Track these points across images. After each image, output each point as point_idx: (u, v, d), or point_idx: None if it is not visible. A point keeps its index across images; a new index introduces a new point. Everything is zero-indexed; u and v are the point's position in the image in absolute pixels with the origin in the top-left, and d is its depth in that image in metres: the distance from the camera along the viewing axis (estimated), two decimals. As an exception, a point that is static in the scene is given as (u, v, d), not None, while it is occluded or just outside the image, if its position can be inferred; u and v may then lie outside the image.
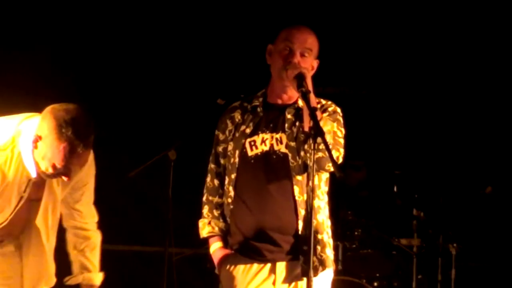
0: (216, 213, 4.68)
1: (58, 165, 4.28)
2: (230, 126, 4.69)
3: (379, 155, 7.64)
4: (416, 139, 7.93)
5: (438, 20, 8.17)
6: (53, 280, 4.82)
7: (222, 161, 4.72)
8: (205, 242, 4.72)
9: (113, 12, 8.19)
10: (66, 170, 4.32)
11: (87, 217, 4.91)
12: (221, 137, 4.70)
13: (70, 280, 4.86)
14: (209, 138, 4.79)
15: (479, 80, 8.03)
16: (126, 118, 7.82)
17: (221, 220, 4.68)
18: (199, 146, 5.05)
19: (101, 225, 7.37)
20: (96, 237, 4.93)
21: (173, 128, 7.09)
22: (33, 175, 4.41)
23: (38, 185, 4.52)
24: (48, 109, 4.34)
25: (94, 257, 4.95)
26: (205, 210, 4.70)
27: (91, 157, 4.54)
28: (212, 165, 4.74)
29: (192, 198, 4.97)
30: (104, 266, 7.26)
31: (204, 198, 4.73)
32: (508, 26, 8.07)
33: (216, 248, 4.64)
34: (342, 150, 4.49)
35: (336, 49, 7.50)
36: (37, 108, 4.51)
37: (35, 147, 4.34)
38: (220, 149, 4.70)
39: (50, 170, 4.30)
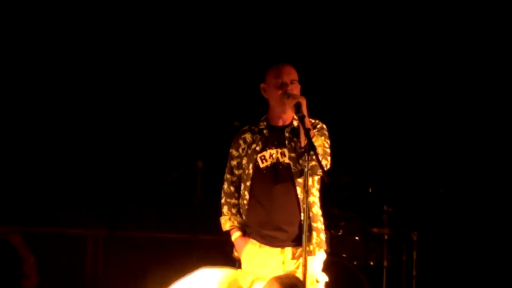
0: (233, 210, 4.83)
1: None
2: (243, 145, 4.82)
3: (358, 165, 7.66)
4: (386, 153, 7.87)
5: (408, 40, 8.01)
6: None
7: (236, 172, 4.83)
8: (226, 231, 4.88)
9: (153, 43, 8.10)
10: None
11: None
12: (235, 153, 4.83)
13: None
14: (228, 151, 4.90)
15: (435, 97, 8.04)
16: (168, 136, 7.86)
17: (238, 216, 4.82)
18: (221, 158, 5.06)
19: (146, 217, 7.43)
20: None
21: (201, 144, 7.13)
22: None
23: None
24: (274, 280, 4.31)
25: None
26: (225, 209, 4.86)
27: None
28: (228, 175, 4.88)
29: (214, 197, 5.03)
30: (149, 249, 7.28)
31: (222, 200, 4.88)
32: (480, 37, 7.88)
33: (237, 237, 4.79)
34: (329, 158, 4.66)
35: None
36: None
37: None
38: (234, 163, 4.84)
39: None
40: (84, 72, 7.94)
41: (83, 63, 7.96)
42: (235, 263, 4.94)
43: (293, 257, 4.68)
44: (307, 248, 4.46)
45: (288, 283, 4.30)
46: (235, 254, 4.84)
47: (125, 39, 7.97)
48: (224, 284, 4.49)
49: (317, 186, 4.74)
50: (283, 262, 4.68)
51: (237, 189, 4.84)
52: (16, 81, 7.64)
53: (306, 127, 4.40)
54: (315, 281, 4.64)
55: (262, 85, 4.79)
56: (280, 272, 4.63)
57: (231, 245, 4.88)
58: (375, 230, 7.17)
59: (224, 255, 5.20)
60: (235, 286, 4.55)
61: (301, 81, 4.77)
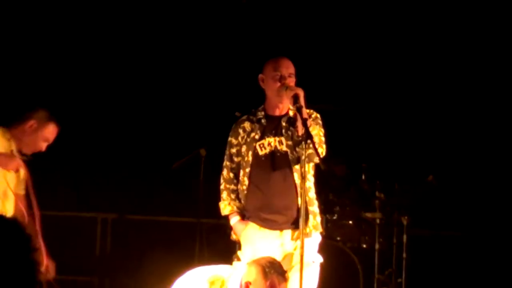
0: (233, 196, 4.84)
1: None
2: (242, 134, 4.83)
3: (352, 153, 7.66)
4: (377, 141, 7.92)
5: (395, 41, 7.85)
6: None
7: (235, 159, 4.83)
8: (225, 216, 4.89)
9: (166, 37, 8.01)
10: None
11: None
12: (234, 142, 4.85)
13: None
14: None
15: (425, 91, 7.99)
16: (173, 126, 7.88)
17: (237, 201, 4.83)
18: (222, 146, 5.05)
19: (152, 202, 7.38)
20: None
21: (204, 133, 7.15)
22: None
23: None
24: (254, 262, 4.40)
25: None
26: (224, 194, 4.87)
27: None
28: (227, 162, 4.88)
29: (216, 184, 5.03)
30: (154, 231, 7.24)
31: (222, 186, 4.89)
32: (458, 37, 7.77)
33: (236, 221, 4.80)
34: (324, 146, 4.71)
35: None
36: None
37: None
38: (233, 150, 4.84)
39: None
40: (96, 68, 7.96)
41: (98, 55, 7.99)
42: (235, 245, 4.97)
43: (291, 239, 4.71)
44: (304, 231, 4.50)
45: (265, 262, 4.40)
46: (233, 236, 4.87)
47: (127, 30, 7.95)
48: (216, 282, 4.51)
49: (312, 172, 4.77)
50: (282, 244, 4.71)
51: (236, 175, 4.85)
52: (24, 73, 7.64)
53: (304, 117, 4.45)
54: (311, 262, 4.66)
55: (260, 75, 4.81)
56: (279, 253, 4.67)
57: (230, 228, 4.90)
58: (368, 214, 7.17)
59: (224, 237, 5.23)
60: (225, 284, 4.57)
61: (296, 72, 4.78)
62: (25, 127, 5.02)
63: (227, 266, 4.64)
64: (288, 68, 4.73)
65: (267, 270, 4.35)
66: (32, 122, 5.03)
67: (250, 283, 4.37)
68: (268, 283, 4.32)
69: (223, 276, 4.53)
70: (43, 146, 5.09)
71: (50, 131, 5.09)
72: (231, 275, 4.51)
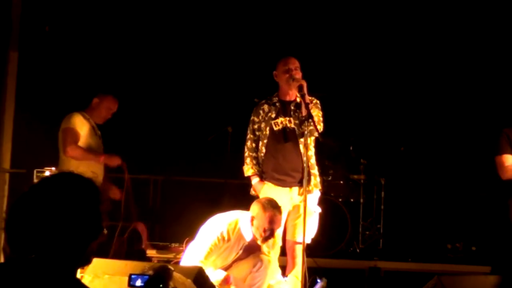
0: (254, 162, 5.01)
1: (266, 227, 4.37)
2: (262, 114, 5.02)
3: (343, 130, 7.63)
4: (362, 120, 7.83)
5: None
6: None
7: (256, 133, 5.01)
8: (248, 178, 5.02)
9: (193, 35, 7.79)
10: (271, 232, 4.41)
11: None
12: (256, 120, 5.03)
13: None
14: (250, 119, 5.03)
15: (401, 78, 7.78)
16: (208, 109, 7.92)
17: (257, 166, 5.00)
18: (244, 124, 5.15)
19: (192, 166, 7.32)
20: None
21: (231, 115, 7.19)
22: (247, 240, 4.50)
23: (252, 249, 4.58)
24: (256, 201, 4.52)
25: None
26: (248, 160, 5.04)
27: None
28: (251, 136, 5.05)
29: (240, 153, 5.08)
30: (194, 189, 7.21)
31: (246, 154, 5.05)
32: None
33: (256, 182, 4.99)
34: (322, 124, 4.92)
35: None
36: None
37: (252, 224, 4.47)
38: (255, 126, 5.02)
39: (263, 235, 4.41)
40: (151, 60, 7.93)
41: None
42: (254, 199, 5.05)
43: (298, 194, 4.92)
44: (307, 188, 4.71)
45: (264, 200, 4.55)
46: (252, 192, 5.08)
47: (170, 24, 7.75)
48: (232, 223, 4.59)
49: (312, 143, 5.00)
50: (291, 198, 4.94)
51: (257, 146, 5.02)
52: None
53: (306, 102, 4.73)
54: (313, 212, 4.88)
55: (274, 72, 5.06)
56: (289, 205, 4.87)
57: (250, 186, 5.06)
58: (355, 176, 7.22)
59: (245, 194, 5.31)
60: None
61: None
62: (92, 105, 5.52)
63: (239, 211, 4.72)
64: (294, 64, 4.95)
65: (265, 205, 4.49)
66: (95, 99, 5.54)
67: (254, 217, 4.51)
68: (267, 215, 4.44)
69: (237, 218, 4.67)
70: (108, 114, 5.59)
71: (110, 101, 5.59)
72: (242, 217, 4.67)
